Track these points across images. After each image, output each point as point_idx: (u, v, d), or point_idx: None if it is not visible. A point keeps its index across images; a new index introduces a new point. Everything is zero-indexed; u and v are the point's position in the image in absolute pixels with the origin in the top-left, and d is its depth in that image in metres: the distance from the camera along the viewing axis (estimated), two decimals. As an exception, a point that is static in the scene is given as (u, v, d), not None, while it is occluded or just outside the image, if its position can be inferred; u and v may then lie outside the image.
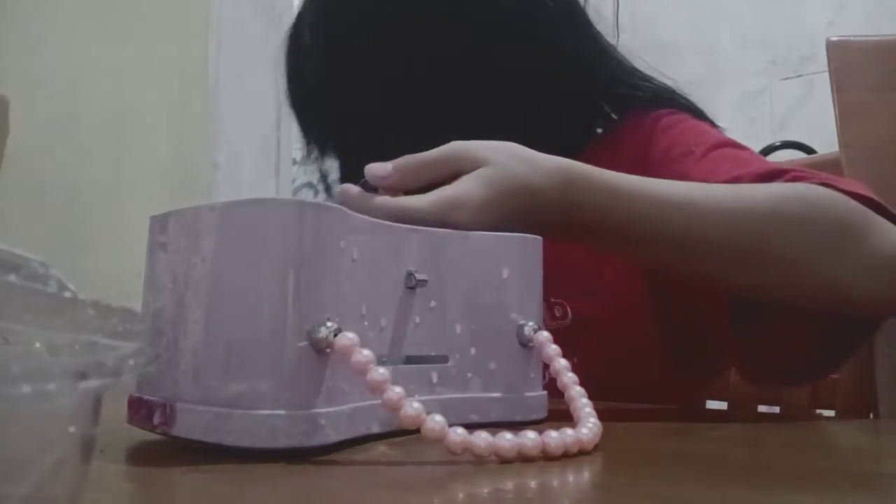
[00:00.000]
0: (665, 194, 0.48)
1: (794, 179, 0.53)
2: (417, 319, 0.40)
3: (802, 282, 0.50)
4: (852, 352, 0.55)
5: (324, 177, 0.77)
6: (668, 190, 0.49)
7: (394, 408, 0.32)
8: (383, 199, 0.44)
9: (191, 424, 0.34)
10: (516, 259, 0.44)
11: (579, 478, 0.32)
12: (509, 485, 0.30)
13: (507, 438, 0.33)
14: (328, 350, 0.33)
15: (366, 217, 0.39)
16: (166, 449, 0.35)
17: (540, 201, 0.45)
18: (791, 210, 0.49)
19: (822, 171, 0.79)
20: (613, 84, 0.69)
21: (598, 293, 0.65)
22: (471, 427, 0.33)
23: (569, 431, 0.34)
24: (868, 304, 0.51)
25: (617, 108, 0.69)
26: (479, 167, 0.44)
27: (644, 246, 0.50)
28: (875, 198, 0.52)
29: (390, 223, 0.41)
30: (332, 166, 0.76)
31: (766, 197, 0.49)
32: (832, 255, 0.50)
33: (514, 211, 0.45)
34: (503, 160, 0.45)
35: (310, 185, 3.23)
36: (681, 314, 0.62)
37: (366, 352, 0.33)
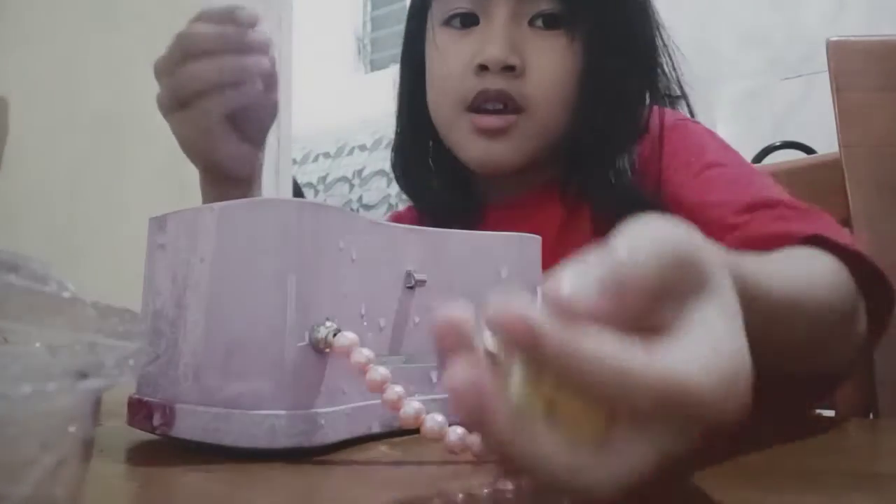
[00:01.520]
0: (791, 296, 0.40)
1: (783, 218, 0.53)
2: (417, 319, 0.40)
3: (817, 362, 0.48)
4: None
5: None
6: (793, 291, 0.41)
7: (393, 407, 0.32)
8: (619, 353, 0.21)
9: (190, 425, 0.33)
10: (515, 258, 0.44)
11: (579, 478, 0.32)
12: (509, 485, 0.30)
13: (506, 438, 0.33)
14: (327, 350, 0.33)
15: (365, 217, 0.39)
16: (166, 449, 0.35)
17: None
18: (837, 299, 0.47)
19: (822, 171, 0.80)
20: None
21: None
22: (470, 427, 0.33)
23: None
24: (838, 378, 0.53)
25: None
26: (700, 282, 0.25)
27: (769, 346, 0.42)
28: (865, 256, 0.50)
29: (389, 224, 0.40)
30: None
31: (840, 291, 0.47)
32: (842, 339, 0.49)
33: None
34: (723, 273, 0.27)
35: (309, 184, 3.24)
36: None
37: (365, 351, 0.33)
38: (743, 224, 0.55)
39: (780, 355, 0.40)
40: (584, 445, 0.22)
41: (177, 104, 0.55)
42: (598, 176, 0.64)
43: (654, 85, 0.68)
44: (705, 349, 0.23)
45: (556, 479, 0.22)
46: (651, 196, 0.62)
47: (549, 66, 0.63)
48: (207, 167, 0.62)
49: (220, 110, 0.55)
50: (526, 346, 0.21)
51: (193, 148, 0.59)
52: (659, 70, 0.69)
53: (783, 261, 0.45)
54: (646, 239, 0.24)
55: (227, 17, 0.53)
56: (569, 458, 0.21)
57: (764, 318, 0.30)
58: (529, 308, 0.21)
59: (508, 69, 0.62)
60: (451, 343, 0.22)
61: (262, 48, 0.54)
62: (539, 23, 0.64)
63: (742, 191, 0.58)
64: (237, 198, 0.62)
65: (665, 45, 0.69)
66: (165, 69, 0.55)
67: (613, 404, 0.22)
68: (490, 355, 0.23)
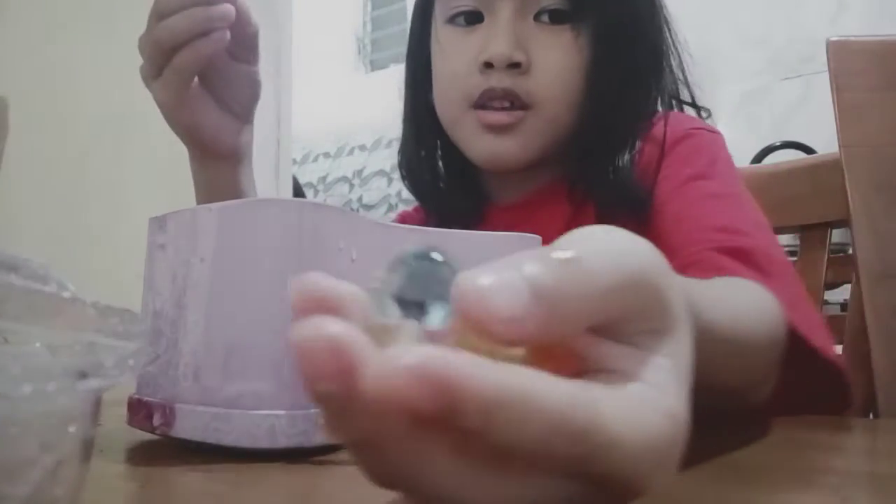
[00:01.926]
0: (728, 332, 0.38)
1: (756, 267, 0.51)
2: (417, 319, 0.40)
3: (740, 393, 0.46)
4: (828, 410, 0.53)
5: None
6: (731, 324, 0.39)
7: (394, 408, 0.32)
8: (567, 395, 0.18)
9: (190, 425, 0.33)
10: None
11: (579, 478, 0.32)
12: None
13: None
14: (328, 350, 0.33)
15: (365, 217, 0.39)
16: (166, 449, 0.35)
17: None
18: (773, 340, 0.46)
19: (822, 171, 0.80)
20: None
21: None
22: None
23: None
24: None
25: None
26: (661, 321, 0.21)
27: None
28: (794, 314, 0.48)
29: (389, 224, 0.40)
30: None
31: (767, 332, 0.45)
32: (766, 374, 0.48)
33: None
34: (686, 318, 0.23)
35: (309, 184, 3.24)
36: None
37: (366, 352, 0.33)
38: (704, 260, 0.54)
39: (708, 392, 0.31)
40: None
41: (156, 69, 0.56)
42: (602, 172, 0.64)
43: (661, 80, 0.68)
44: (650, 413, 0.19)
45: (437, 491, 0.18)
46: (650, 195, 0.62)
47: (555, 62, 0.63)
48: (191, 140, 0.62)
49: (193, 63, 0.56)
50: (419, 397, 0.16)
51: (173, 114, 0.60)
52: (666, 65, 0.68)
53: (731, 298, 0.44)
54: (604, 244, 0.21)
55: None
56: (455, 473, 0.18)
57: (704, 358, 0.24)
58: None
59: (514, 66, 0.62)
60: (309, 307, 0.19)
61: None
62: (545, 18, 0.63)
63: (708, 229, 0.56)
64: (223, 175, 0.64)
65: (673, 41, 0.69)
66: (143, 39, 0.56)
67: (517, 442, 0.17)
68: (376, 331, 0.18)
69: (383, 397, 0.16)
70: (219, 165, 0.63)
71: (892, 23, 1.94)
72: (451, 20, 0.66)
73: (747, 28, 2.26)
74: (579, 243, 0.20)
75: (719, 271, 0.51)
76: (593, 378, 0.20)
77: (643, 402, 0.19)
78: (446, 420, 0.16)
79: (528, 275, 0.18)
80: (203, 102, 0.60)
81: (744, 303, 0.45)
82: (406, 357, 0.16)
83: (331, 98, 3.10)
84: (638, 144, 0.65)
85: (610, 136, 0.64)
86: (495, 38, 0.62)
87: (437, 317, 0.20)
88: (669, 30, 0.69)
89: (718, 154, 0.65)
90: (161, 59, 0.56)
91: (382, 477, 0.19)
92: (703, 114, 0.71)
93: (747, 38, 2.25)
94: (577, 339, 0.20)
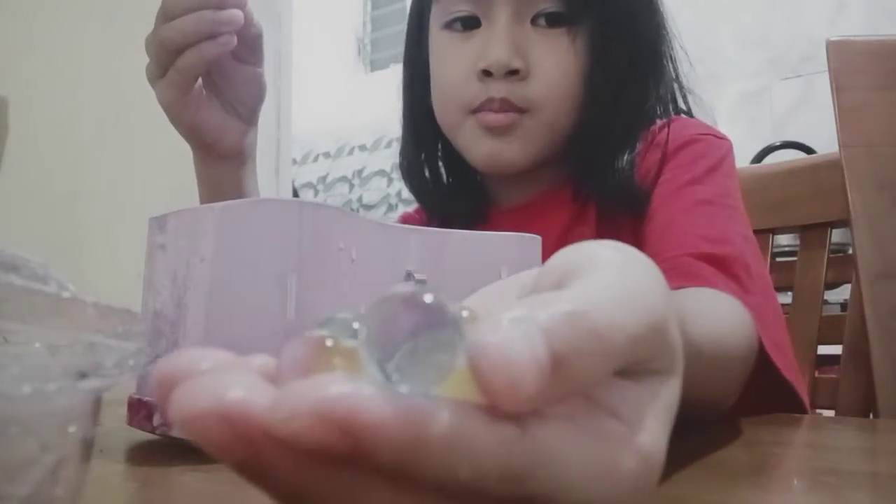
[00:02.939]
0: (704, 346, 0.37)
1: (734, 278, 0.52)
2: (417, 319, 0.40)
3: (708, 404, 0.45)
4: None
5: None
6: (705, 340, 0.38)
7: (394, 408, 0.32)
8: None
9: (191, 424, 0.33)
10: (515, 259, 0.44)
11: (579, 478, 0.32)
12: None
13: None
14: (328, 350, 0.33)
15: (365, 217, 0.39)
16: (166, 449, 0.35)
17: None
18: (742, 353, 0.46)
19: (823, 171, 0.80)
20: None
21: None
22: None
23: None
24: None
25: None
26: (662, 363, 0.21)
27: None
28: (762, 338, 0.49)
29: (389, 224, 0.40)
30: None
31: (742, 342, 0.46)
32: (737, 387, 0.47)
33: None
34: (681, 353, 0.22)
35: (309, 184, 3.24)
36: None
37: (366, 352, 0.33)
38: (682, 265, 0.54)
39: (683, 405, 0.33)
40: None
41: (161, 69, 0.57)
42: (602, 173, 0.64)
43: (660, 80, 0.67)
44: (617, 454, 0.18)
45: None
46: (649, 197, 0.62)
47: (553, 66, 0.62)
48: (195, 140, 0.62)
49: (198, 64, 0.56)
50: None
51: (177, 114, 0.60)
52: (665, 64, 0.68)
53: (711, 313, 0.44)
54: (617, 284, 0.19)
55: None
56: None
57: (686, 375, 0.23)
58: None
59: (512, 73, 0.61)
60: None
61: (238, 4, 0.56)
62: (542, 21, 0.63)
63: (692, 238, 0.57)
64: (227, 176, 0.64)
65: (670, 42, 0.69)
66: (150, 39, 0.57)
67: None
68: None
69: (290, 442, 0.15)
70: (223, 165, 0.63)
71: (892, 23, 1.94)
72: (448, 25, 0.65)
73: (747, 28, 2.26)
74: (590, 284, 0.19)
75: (696, 278, 0.52)
76: (573, 407, 0.18)
77: (612, 442, 0.18)
78: (361, 460, 0.15)
79: (551, 344, 0.16)
80: (207, 103, 0.60)
81: (723, 320, 0.45)
82: (308, 394, 0.15)
83: (331, 98, 3.10)
84: (639, 146, 0.65)
85: (609, 137, 0.64)
86: (493, 45, 0.61)
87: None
88: (666, 28, 0.68)
89: (721, 161, 0.64)
90: (166, 59, 0.56)
91: None
92: (702, 115, 0.70)
93: (747, 38, 2.25)
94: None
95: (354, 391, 0.15)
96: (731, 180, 0.64)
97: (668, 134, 0.64)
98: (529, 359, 0.16)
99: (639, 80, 0.66)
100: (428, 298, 0.16)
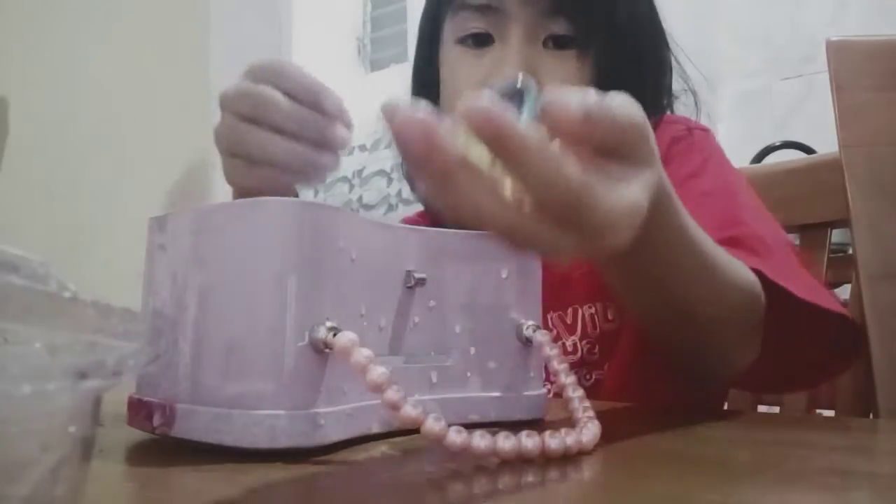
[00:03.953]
0: (693, 238, 0.45)
1: (750, 250, 0.55)
2: (417, 319, 0.40)
3: (713, 352, 0.54)
4: (841, 365, 0.62)
5: None
6: (693, 233, 0.46)
7: (393, 407, 0.32)
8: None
9: (190, 425, 0.34)
10: (515, 258, 0.44)
11: (579, 478, 0.32)
12: (509, 485, 0.30)
13: (506, 438, 0.33)
14: (327, 350, 0.33)
15: (365, 217, 0.39)
16: (166, 449, 0.35)
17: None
18: (745, 294, 0.51)
19: (823, 171, 0.80)
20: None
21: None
22: (470, 427, 0.33)
23: (569, 431, 0.34)
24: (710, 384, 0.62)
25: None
26: (644, 158, 0.34)
27: (665, 286, 0.48)
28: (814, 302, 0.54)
29: (389, 224, 0.40)
30: None
31: (744, 275, 0.51)
32: (743, 344, 0.55)
33: None
34: (659, 166, 0.37)
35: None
36: None
37: (365, 351, 0.33)
38: None
39: (689, 320, 0.49)
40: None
41: (234, 154, 0.51)
42: None
43: (661, 96, 0.70)
44: (621, 197, 0.31)
45: (488, 221, 0.29)
46: None
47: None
48: (243, 195, 0.59)
49: (277, 185, 0.50)
50: (494, 136, 0.27)
51: (238, 187, 0.55)
52: (667, 71, 0.71)
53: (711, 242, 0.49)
54: (627, 102, 0.33)
55: (313, 96, 0.48)
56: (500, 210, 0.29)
57: (662, 232, 0.40)
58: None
59: (521, 92, 0.63)
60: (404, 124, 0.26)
61: (340, 145, 0.50)
62: (551, 44, 0.65)
63: (712, 227, 0.59)
64: None
65: (674, 55, 0.72)
66: (232, 106, 0.50)
67: (546, 195, 0.29)
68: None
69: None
70: None
71: (892, 23, 1.94)
72: (462, 41, 0.67)
73: (747, 28, 2.26)
74: (614, 97, 0.32)
75: None
76: (593, 166, 0.30)
77: (619, 190, 0.31)
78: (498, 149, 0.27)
79: (592, 100, 0.30)
80: (271, 178, 0.52)
81: (725, 254, 0.50)
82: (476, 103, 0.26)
83: (330, 98, 3.10)
84: None
85: None
86: (506, 63, 0.63)
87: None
88: (669, 43, 0.71)
89: (711, 151, 0.67)
90: (244, 154, 0.50)
91: (453, 209, 0.28)
92: (702, 115, 0.72)
93: (747, 38, 2.25)
94: (592, 155, 0.31)
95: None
96: (723, 164, 0.67)
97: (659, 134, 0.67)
98: (578, 102, 0.30)
99: (644, 97, 0.67)
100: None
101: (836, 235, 0.83)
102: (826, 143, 0.85)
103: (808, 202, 0.81)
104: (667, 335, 0.55)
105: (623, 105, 0.32)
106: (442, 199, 0.28)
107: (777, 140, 1.89)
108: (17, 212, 1.74)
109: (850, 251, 0.76)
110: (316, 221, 0.35)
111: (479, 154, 0.28)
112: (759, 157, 1.82)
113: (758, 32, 2.24)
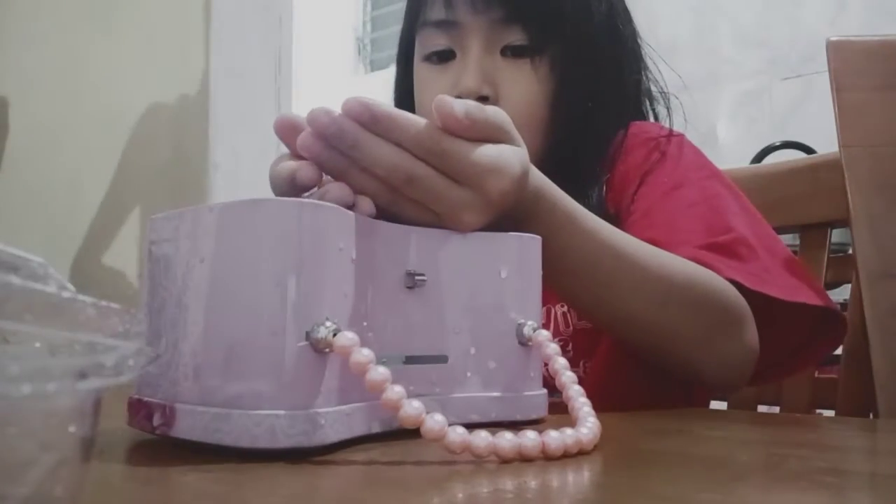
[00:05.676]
0: (604, 236, 0.51)
1: (735, 256, 0.59)
2: (417, 319, 0.40)
3: (673, 351, 0.57)
4: (822, 353, 0.68)
5: None
6: (608, 233, 0.52)
7: (393, 407, 0.32)
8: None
9: (190, 425, 0.34)
10: (514, 259, 0.44)
11: (579, 478, 0.32)
12: (509, 485, 0.30)
13: (506, 438, 0.33)
14: (327, 350, 0.33)
15: (365, 217, 0.39)
16: (166, 449, 0.35)
17: (521, 196, 0.45)
18: (693, 292, 0.55)
19: (822, 171, 0.80)
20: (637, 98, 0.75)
21: None
22: (470, 426, 0.33)
23: (568, 431, 0.34)
24: (712, 385, 0.65)
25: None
26: (510, 141, 0.44)
27: (568, 276, 0.52)
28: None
29: (389, 223, 0.40)
30: None
31: (682, 271, 0.55)
32: (706, 343, 0.57)
33: (515, 198, 0.45)
34: (524, 148, 0.45)
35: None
36: None
37: (365, 351, 0.33)
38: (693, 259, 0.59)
39: (579, 275, 0.52)
40: None
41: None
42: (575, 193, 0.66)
43: (625, 101, 0.73)
44: (496, 149, 0.42)
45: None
46: (616, 220, 0.65)
47: (517, 93, 0.68)
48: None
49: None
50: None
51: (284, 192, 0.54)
52: (631, 72, 0.73)
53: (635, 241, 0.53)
54: (499, 109, 0.43)
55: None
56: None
57: (552, 215, 0.49)
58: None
59: (482, 99, 0.66)
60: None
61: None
62: (508, 53, 0.68)
63: (700, 237, 0.62)
64: None
65: (640, 56, 0.74)
66: (281, 170, 0.43)
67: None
68: None
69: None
70: None
71: (892, 23, 1.94)
72: (427, 58, 0.71)
73: (747, 28, 2.26)
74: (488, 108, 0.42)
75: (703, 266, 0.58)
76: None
77: (485, 148, 0.42)
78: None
79: (473, 104, 0.42)
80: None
81: (646, 247, 0.53)
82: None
83: (331, 98, 3.10)
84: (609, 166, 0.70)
85: (577, 160, 0.68)
86: (465, 75, 0.67)
87: None
88: (637, 44, 0.74)
89: (689, 157, 0.70)
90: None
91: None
92: (697, 117, 0.74)
93: (747, 38, 2.25)
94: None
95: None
96: (701, 167, 0.69)
97: (625, 140, 0.71)
98: (461, 106, 0.40)
99: (603, 102, 0.71)
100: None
101: (836, 235, 0.83)
102: (826, 143, 0.85)
103: (808, 202, 0.81)
104: (621, 337, 0.58)
105: (496, 110, 0.43)
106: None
107: (777, 140, 1.89)
108: (17, 212, 1.74)
109: (850, 251, 0.76)
110: (316, 222, 0.35)
111: None
112: (759, 157, 1.82)
113: (758, 32, 2.24)
